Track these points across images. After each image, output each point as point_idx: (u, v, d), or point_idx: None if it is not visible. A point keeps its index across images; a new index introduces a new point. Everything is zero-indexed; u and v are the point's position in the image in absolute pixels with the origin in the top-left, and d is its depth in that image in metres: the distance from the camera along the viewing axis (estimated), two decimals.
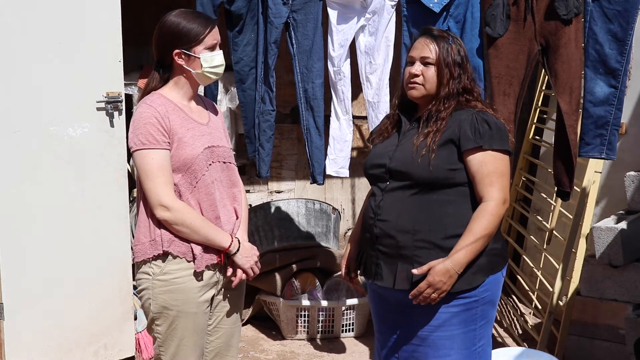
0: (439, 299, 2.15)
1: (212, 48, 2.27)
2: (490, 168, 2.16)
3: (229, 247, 2.26)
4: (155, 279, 2.23)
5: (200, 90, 3.29)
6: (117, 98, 3.37)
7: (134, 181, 4.33)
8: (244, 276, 2.33)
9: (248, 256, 2.31)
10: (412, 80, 2.28)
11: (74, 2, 3.24)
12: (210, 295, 2.30)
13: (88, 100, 3.31)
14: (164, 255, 2.22)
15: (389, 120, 2.43)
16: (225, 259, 2.28)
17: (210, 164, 2.27)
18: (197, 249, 2.23)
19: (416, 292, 2.14)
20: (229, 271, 2.31)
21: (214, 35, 2.28)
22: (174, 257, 2.22)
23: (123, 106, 3.42)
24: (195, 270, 2.23)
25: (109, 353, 3.45)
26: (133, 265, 3.53)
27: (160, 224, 2.21)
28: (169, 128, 2.21)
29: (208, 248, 2.25)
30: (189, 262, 2.23)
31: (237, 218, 2.38)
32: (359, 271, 2.44)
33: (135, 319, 3.58)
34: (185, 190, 2.23)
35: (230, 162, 2.38)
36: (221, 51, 2.31)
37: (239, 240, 2.30)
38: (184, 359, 2.28)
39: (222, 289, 2.35)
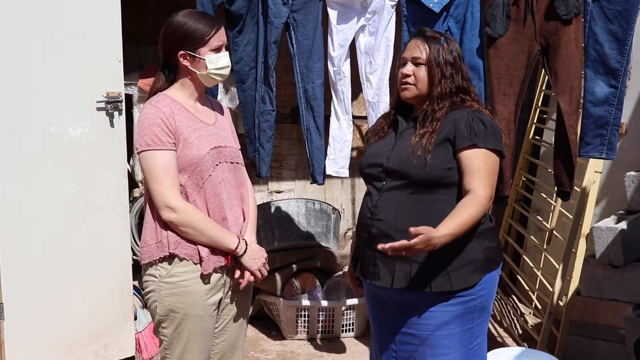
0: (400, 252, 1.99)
1: (217, 50, 2.25)
2: (479, 164, 2.17)
3: (236, 248, 2.24)
4: (162, 282, 2.22)
5: None
6: (117, 98, 3.38)
7: (134, 181, 4.35)
8: (252, 278, 2.30)
9: (255, 258, 2.29)
10: (404, 80, 2.29)
11: (74, 2, 3.24)
12: (218, 298, 2.28)
13: (88, 100, 3.32)
14: (170, 258, 2.20)
15: (385, 120, 2.44)
16: (232, 260, 2.27)
17: (217, 165, 2.25)
18: (204, 251, 2.21)
19: (405, 244, 1.95)
20: (237, 273, 2.29)
21: (220, 37, 2.26)
22: (181, 259, 2.20)
23: (123, 106, 3.42)
24: (202, 273, 2.21)
25: (109, 353, 3.45)
26: (133, 265, 3.53)
27: (166, 225, 2.19)
28: (175, 129, 2.19)
29: (215, 250, 2.22)
30: (195, 264, 2.21)
31: (244, 220, 2.36)
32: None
33: (135, 319, 3.58)
34: (192, 191, 2.22)
35: (238, 163, 2.36)
36: (227, 53, 2.29)
37: (246, 242, 2.28)
38: None
39: (230, 292, 2.33)
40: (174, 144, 2.19)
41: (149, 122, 2.18)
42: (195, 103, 2.31)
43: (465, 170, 2.18)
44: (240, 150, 2.44)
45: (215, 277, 2.25)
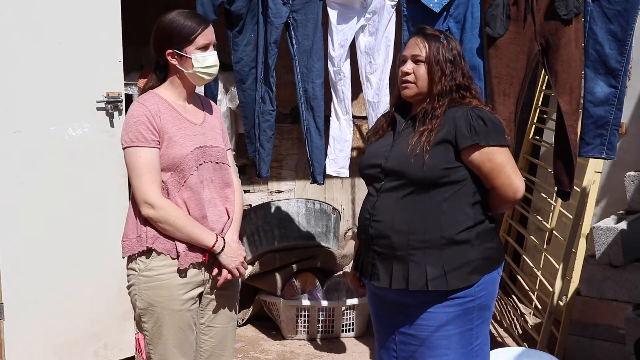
0: None
1: (204, 48, 2.28)
2: (497, 161, 2.18)
3: (213, 246, 2.27)
4: (141, 275, 2.26)
5: (200, 90, 3.30)
6: (117, 98, 3.38)
7: None
8: (229, 276, 2.33)
9: (233, 256, 2.32)
10: (403, 79, 2.29)
11: (74, 2, 3.25)
12: (196, 293, 2.31)
13: (88, 100, 3.32)
14: (148, 252, 2.24)
15: (384, 119, 2.43)
16: (210, 258, 2.29)
17: (200, 164, 2.28)
18: (181, 247, 2.24)
19: None
20: (215, 271, 2.32)
21: (207, 36, 2.28)
22: (158, 253, 2.24)
23: (123, 106, 3.42)
24: (179, 268, 2.25)
25: (109, 353, 3.46)
26: None
27: (146, 221, 2.24)
28: (160, 127, 2.22)
29: (193, 247, 2.26)
30: (173, 259, 2.24)
31: (229, 218, 2.38)
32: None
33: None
34: (173, 188, 2.25)
35: (223, 163, 2.38)
36: (215, 52, 2.31)
37: (224, 240, 2.31)
38: (172, 357, 2.30)
39: (212, 288, 2.36)
40: (158, 142, 2.23)
41: (134, 119, 2.22)
42: (184, 102, 2.34)
43: (482, 170, 2.20)
44: (228, 151, 2.45)
45: (192, 272, 2.28)
